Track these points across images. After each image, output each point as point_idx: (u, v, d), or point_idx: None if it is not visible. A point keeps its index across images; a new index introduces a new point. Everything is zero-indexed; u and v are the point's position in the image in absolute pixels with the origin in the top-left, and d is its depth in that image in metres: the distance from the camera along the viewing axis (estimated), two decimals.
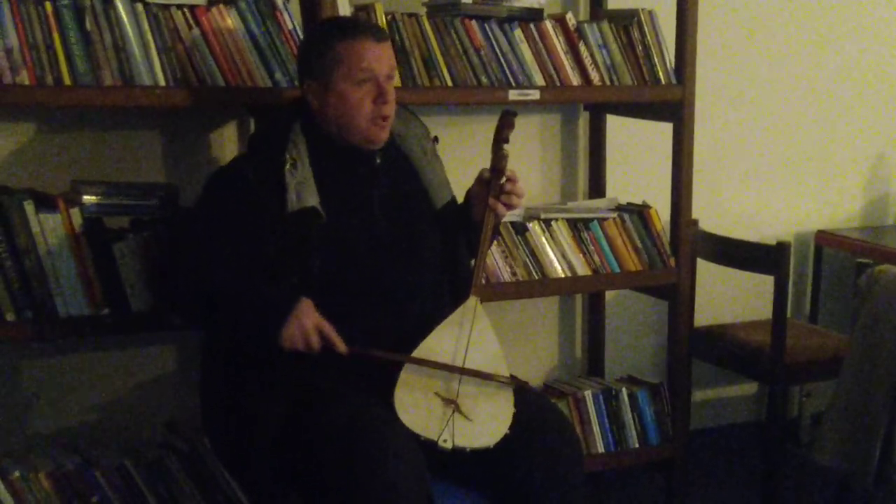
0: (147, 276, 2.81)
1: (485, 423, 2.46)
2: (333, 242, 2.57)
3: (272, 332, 2.45)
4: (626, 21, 3.47)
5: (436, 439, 2.39)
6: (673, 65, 3.52)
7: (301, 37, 2.96)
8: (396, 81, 3.02)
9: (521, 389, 2.58)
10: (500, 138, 2.72)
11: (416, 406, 2.43)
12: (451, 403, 2.46)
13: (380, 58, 2.61)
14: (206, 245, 2.55)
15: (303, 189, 2.56)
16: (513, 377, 2.60)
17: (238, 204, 2.56)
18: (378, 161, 2.69)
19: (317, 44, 2.64)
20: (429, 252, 2.73)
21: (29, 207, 2.72)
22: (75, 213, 2.77)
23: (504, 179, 2.68)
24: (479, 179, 2.73)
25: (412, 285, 2.66)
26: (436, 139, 2.88)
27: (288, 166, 2.56)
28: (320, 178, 2.60)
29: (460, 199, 2.86)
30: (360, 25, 2.67)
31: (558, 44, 3.34)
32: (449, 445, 2.40)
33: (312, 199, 2.56)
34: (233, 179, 2.62)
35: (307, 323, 2.45)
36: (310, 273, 2.54)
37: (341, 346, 2.48)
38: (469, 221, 2.77)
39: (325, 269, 2.55)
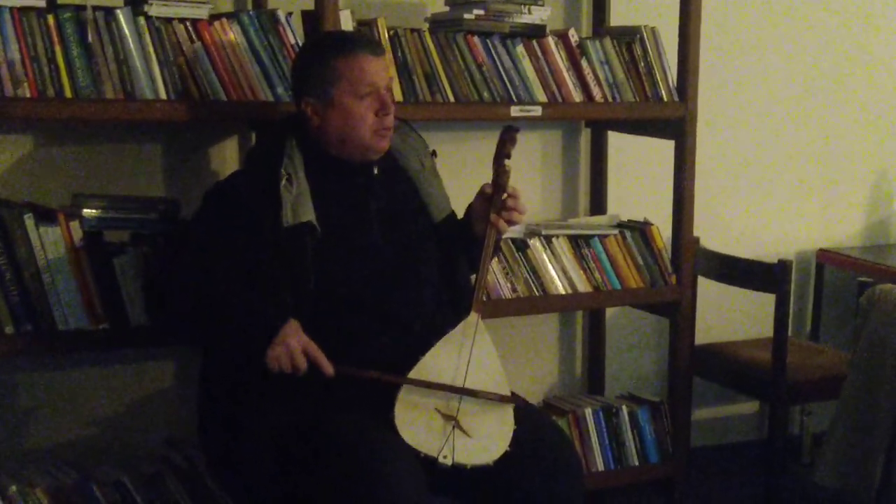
0: (143, 289, 2.78)
1: (485, 440, 2.45)
2: (330, 258, 2.56)
3: (258, 353, 2.44)
4: (628, 38, 3.47)
5: (436, 455, 2.38)
6: (675, 82, 3.51)
7: None
8: (398, 96, 3.03)
9: (521, 407, 2.57)
10: (502, 154, 2.71)
11: (416, 422, 2.42)
12: (452, 420, 2.45)
13: (379, 71, 2.62)
14: (199, 259, 2.55)
15: (299, 204, 2.55)
16: (513, 394, 2.59)
17: (233, 219, 2.56)
18: (375, 172, 2.69)
19: (314, 61, 2.64)
20: (427, 266, 2.73)
21: (29, 221, 2.71)
22: (75, 226, 2.76)
23: (505, 196, 2.68)
24: (481, 195, 2.73)
25: (411, 300, 2.65)
26: (434, 153, 2.88)
27: (284, 181, 2.55)
28: (317, 193, 2.60)
29: (460, 214, 2.85)
30: (355, 40, 2.68)
31: (560, 60, 3.34)
32: (449, 462, 2.39)
33: (308, 215, 2.55)
34: (228, 195, 2.62)
35: (293, 344, 2.44)
36: (306, 289, 2.53)
37: (328, 368, 2.46)
38: (469, 237, 2.77)
39: (322, 284, 2.54)
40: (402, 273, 2.66)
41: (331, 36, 2.87)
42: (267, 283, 2.53)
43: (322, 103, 2.62)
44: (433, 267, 2.75)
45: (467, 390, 2.50)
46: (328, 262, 2.56)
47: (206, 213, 2.64)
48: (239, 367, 2.55)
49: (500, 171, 2.70)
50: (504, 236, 2.97)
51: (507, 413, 2.52)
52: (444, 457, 2.39)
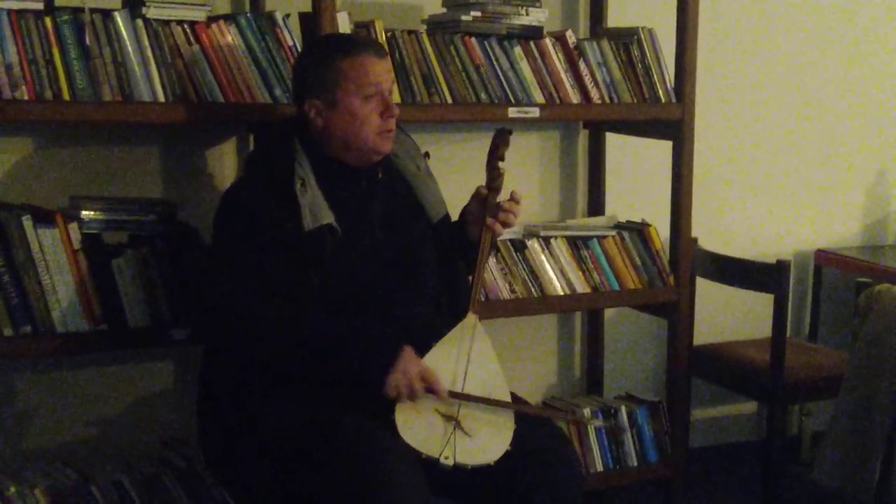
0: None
1: (486, 440, 2.45)
2: (337, 259, 2.56)
3: (377, 381, 2.44)
4: (625, 39, 3.47)
5: (437, 457, 2.38)
6: (672, 83, 3.52)
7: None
8: (396, 98, 3.03)
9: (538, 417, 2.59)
10: (495, 156, 2.72)
11: (417, 424, 2.43)
12: (452, 420, 2.45)
13: (383, 73, 2.62)
14: (268, 286, 2.49)
15: (316, 207, 2.55)
16: (514, 396, 2.59)
17: (263, 231, 2.52)
18: (379, 175, 2.69)
19: (319, 62, 2.63)
20: (426, 267, 2.73)
21: (27, 223, 2.71)
22: (73, 228, 2.77)
23: (507, 201, 2.68)
24: (476, 197, 2.73)
25: (411, 300, 2.65)
26: (427, 154, 2.88)
27: (298, 186, 2.55)
28: (325, 195, 2.59)
29: (457, 215, 2.85)
30: (360, 42, 2.67)
31: (558, 61, 3.34)
32: (450, 463, 2.38)
33: (328, 217, 2.55)
34: (248, 208, 2.56)
35: (412, 371, 2.45)
36: (310, 289, 2.53)
37: (444, 393, 2.47)
38: (465, 239, 2.77)
39: (327, 284, 2.54)
40: (402, 274, 2.66)
41: (335, 37, 2.86)
42: (279, 288, 2.52)
43: (326, 105, 2.61)
44: (432, 268, 2.76)
45: (514, 406, 2.52)
46: (335, 264, 2.56)
47: (240, 234, 2.55)
48: (240, 368, 2.55)
49: (494, 174, 2.71)
50: (500, 238, 2.97)
51: (508, 413, 2.52)
52: (446, 458, 2.39)
